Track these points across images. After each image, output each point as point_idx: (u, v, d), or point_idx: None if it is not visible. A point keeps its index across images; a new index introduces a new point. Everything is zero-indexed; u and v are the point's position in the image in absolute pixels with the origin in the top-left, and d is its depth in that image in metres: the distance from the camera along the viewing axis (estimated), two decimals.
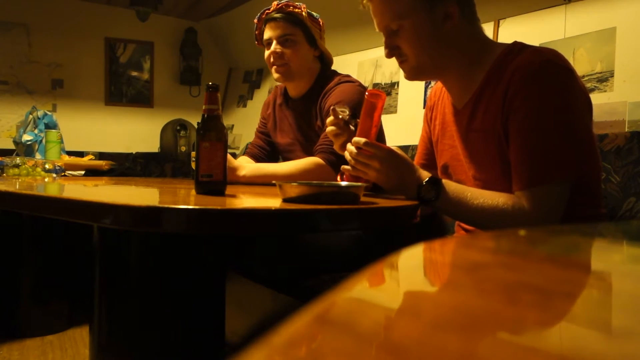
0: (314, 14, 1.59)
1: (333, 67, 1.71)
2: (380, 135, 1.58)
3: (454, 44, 1.04)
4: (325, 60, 1.64)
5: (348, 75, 1.64)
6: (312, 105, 1.59)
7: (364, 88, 1.58)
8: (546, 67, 0.94)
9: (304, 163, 1.44)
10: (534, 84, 0.94)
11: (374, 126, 1.08)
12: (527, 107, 0.94)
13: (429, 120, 1.28)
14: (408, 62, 1.07)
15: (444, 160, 1.19)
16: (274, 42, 1.54)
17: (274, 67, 1.56)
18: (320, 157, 1.43)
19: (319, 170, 1.41)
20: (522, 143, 0.96)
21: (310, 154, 1.51)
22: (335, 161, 1.41)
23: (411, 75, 1.10)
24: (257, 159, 1.75)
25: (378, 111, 1.08)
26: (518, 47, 1.02)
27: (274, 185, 0.92)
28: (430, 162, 1.31)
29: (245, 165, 1.48)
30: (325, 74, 1.61)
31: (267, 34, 1.55)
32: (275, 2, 1.55)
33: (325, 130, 1.48)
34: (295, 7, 1.54)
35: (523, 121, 0.95)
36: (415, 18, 1.01)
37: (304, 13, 1.53)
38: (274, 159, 1.77)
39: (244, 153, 1.83)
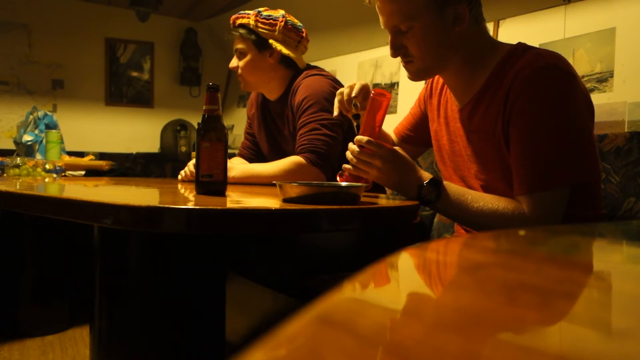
0: (276, 13, 1.56)
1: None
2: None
3: (461, 46, 1.03)
4: (294, 62, 1.60)
5: (317, 68, 1.63)
6: (287, 108, 1.59)
7: (334, 79, 1.57)
8: (548, 71, 0.94)
9: (285, 163, 1.45)
10: (535, 88, 0.94)
11: (378, 125, 1.08)
12: (529, 112, 0.94)
13: (426, 98, 1.26)
14: (414, 63, 1.05)
15: (445, 152, 1.18)
16: (234, 56, 1.62)
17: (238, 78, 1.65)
18: (301, 157, 1.44)
19: (301, 169, 1.43)
20: (523, 148, 0.95)
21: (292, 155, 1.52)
22: (316, 159, 1.43)
23: (416, 77, 1.08)
24: (248, 160, 1.78)
25: (382, 110, 1.07)
26: (521, 49, 1.01)
27: (273, 185, 0.91)
28: (416, 136, 1.31)
29: (235, 166, 1.51)
30: (298, 75, 1.59)
31: (234, 47, 1.62)
32: (233, 16, 1.60)
33: (299, 129, 1.49)
34: (243, 17, 1.56)
35: (524, 126, 0.95)
36: (425, 20, 1.00)
37: (251, 21, 1.53)
38: (264, 159, 1.77)
39: (237, 154, 1.85)
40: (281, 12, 1.58)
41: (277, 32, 1.54)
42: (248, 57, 1.57)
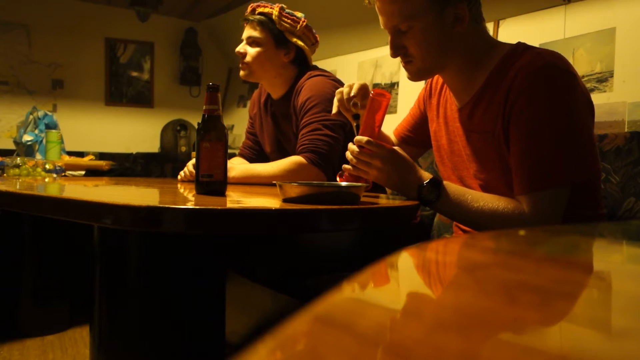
0: (297, 14, 1.58)
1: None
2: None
3: (461, 46, 1.03)
4: (305, 62, 1.61)
5: (320, 69, 1.63)
6: (290, 108, 1.59)
7: (337, 80, 1.57)
8: (548, 70, 0.94)
9: (286, 163, 1.45)
10: (535, 88, 0.94)
11: (377, 125, 1.08)
12: (529, 112, 0.94)
13: (425, 99, 1.26)
14: (414, 63, 1.05)
15: (444, 152, 1.18)
16: (244, 42, 1.59)
17: (240, 64, 1.62)
18: (302, 157, 1.44)
19: (302, 169, 1.43)
20: (523, 147, 0.95)
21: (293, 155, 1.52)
22: (317, 159, 1.43)
23: (416, 77, 1.08)
24: (249, 159, 1.77)
25: (382, 111, 1.07)
26: (521, 49, 1.01)
27: (273, 185, 0.91)
28: (416, 136, 1.31)
29: (235, 166, 1.51)
30: (302, 75, 1.59)
31: (243, 34, 1.60)
32: (252, 4, 1.59)
33: (302, 128, 1.49)
34: (265, 6, 1.56)
35: (524, 125, 0.95)
36: (425, 20, 1.00)
37: (275, 12, 1.53)
38: (265, 158, 1.77)
39: (237, 154, 1.84)
40: (301, 14, 1.60)
41: (299, 29, 1.56)
42: (262, 49, 1.56)
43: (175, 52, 4.46)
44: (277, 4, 1.56)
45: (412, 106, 1.35)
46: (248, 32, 1.57)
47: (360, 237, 1.40)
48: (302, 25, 1.56)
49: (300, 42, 1.56)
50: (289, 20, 1.55)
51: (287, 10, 1.57)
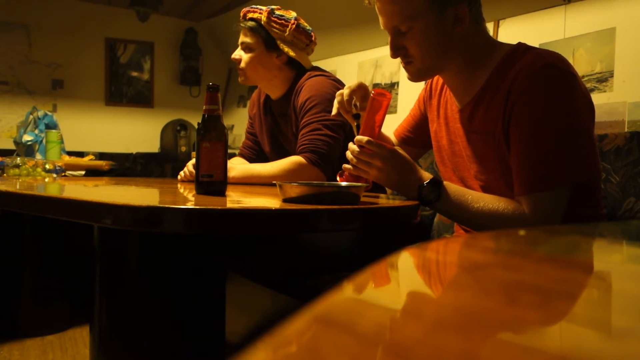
0: (288, 14, 1.56)
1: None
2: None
3: (461, 47, 1.03)
4: (299, 65, 1.60)
5: (320, 69, 1.62)
6: (289, 108, 1.59)
7: (337, 81, 1.57)
8: (548, 71, 0.94)
9: (286, 163, 1.45)
10: (535, 88, 0.94)
11: (377, 125, 1.08)
12: (529, 113, 0.94)
13: (426, 99, 1.26)
14: (414, 64, 1.05)
15: (445, 153, 1.18)
16: (239, 47, 1.60)
17: (237, 70, 1.63)
18: (302, 156, 1.44)
19: (302, 169, 1.43)
20: (523, 148, 0.95)
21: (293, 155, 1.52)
22: (317, 159, 1.43)
23: (416, 77, 1.08)
24: (249, 159, 1.77)
25: (382, 111, 1.07)
26: (522, 49, 1.01)
27: (273, 185, 0.91)
28: (416, 137, 1.31)
29: (235, 166, 1.51)
30: (301, 76, 1.58)
31: (239, 39, 1.61)
32: (243, 9, 1.58)
33: (302, 128, 1.49)
34: (255, 11, 1.55)
35: (524, 126, 0.95)
36: (425, 20, 0.99)
37: (263, 17, 1.52)
38: (265, 158, 1.77)
39: (237, 154, 1.84)
40: (293, 14, 1.57)
41: (288, 33, 1.53)
42: (254, 53, 1.56)
43: (175, 52, 4.46)
44: (266, 7, 1.54)
45: (412, 106, 1.35)
46: (241, 37, 1.58)
47: (360, 237, 1.40)
48: (291, 29, 1.53)
49: (291, 53, 1.54)
50: (277, 26, 1.53)
51: (277, 13, 1.54)
